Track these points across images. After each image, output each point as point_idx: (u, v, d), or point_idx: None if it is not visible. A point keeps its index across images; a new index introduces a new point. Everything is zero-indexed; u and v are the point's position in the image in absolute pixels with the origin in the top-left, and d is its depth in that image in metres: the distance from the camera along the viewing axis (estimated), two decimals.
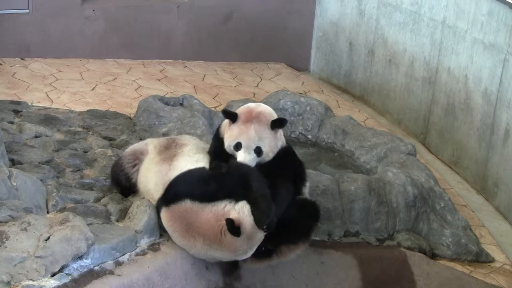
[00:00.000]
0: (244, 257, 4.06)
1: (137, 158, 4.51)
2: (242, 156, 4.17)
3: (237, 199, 4.01)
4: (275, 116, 4.30)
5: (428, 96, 6.84)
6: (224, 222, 3.93)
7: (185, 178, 4.16)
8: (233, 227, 3.91)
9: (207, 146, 4.54)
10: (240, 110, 4.30)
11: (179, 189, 4.10)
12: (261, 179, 4.10)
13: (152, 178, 4.30)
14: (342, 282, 4.55)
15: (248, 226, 3.94)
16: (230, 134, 4.22)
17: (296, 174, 4.38)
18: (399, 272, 4.69)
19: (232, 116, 4.24)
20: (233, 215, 3.95)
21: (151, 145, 4.54)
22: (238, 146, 4.19)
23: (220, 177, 4.11)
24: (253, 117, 4.21)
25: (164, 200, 4.13)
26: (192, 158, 4.30)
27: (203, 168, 4.21)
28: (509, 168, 5.63)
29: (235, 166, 4.15)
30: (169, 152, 4.38)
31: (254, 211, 3.95)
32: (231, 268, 4.34)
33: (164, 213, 4.12)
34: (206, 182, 4.10)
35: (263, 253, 4.19)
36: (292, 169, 4.35)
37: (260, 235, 4.00)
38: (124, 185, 4.55)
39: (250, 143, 4.17)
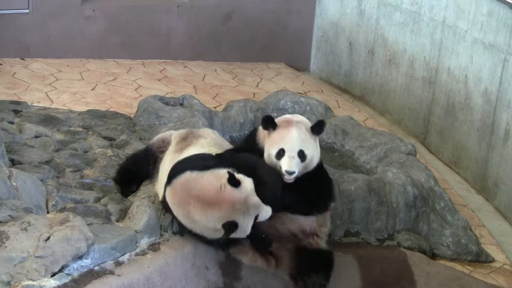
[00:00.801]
0: (241, 221, 3.99)
1: (166, 144, 4.66)
2: (286, 162, 4.11)
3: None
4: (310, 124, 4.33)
5: (428, 96, 6.84)
6: (225, 179, 3.96)
7: (187, 159, 4.26)
8: (233, 178, 3.94)
9: (225, 143, 4.65)
10: (278, 120, 4.31)
11: (181, 167, 4.16)
12: (270, 168, 4.15)
13: (165, 167, 4.40)
14: (342, 282, 4.55)
15: (248, 187, 3.97)
16: (272, 142, 4.19)
17: (325, 191, 4.38)
18: (399, 272, 4.68)
19: (272, 124, 4.21)
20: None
21: (173, 135, 4.71)
22: (280, 153, 4.14)
23: (225, 159, 4.17)
24: (293, 123, 4.22)
25: (168, 181, 4.15)
26: (204, 149, 4.35)
27: (209, 154, 4.29)
28: (509, 168, 5.63)
29: (243, 156, 4.23)
30: (185, 142, 4.51)
31: (259, 186, 3.99)
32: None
33: (168, 191, 4.14)
34: (206, 159, 4.20)
35: (262, 242, 4.17)
36: (322, 184, 4.35)
37: (269, 210, 4.02)
38: (140, 175, 4.67)
39: (293, 146, 4.13)
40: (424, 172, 5.29)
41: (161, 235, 4.25)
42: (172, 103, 6.03)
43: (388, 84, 7.44)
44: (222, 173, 4.02)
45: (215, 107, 6.59)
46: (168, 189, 4.15)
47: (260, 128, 4.34)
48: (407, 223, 5.03)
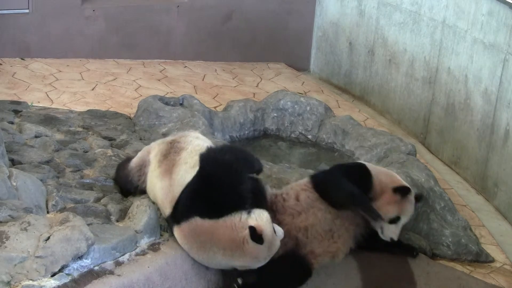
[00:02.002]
0: (263, 263, 4.04)
1: (143, 172, 4.42)
2: (396, 233, 4.45)
3: (248, 207, 3.98)
4: None
5: (428, 96, 6.84)
6: (244, 232, 3.90)
7: (188, 194, 4.06)
8: (256, 234, 3.89)
9: (209, 141, 4.44)
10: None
11: (186, 208, 4.03)
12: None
13: (158, 194, 4.23)
14: (342, 282, 4.55)
15: (268, 233, 3.94)
16: (394, 205, 4.44)
17: None
18: (399, 272, 4.68)
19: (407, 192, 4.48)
20: (252, 222, 3.93)
21: (152, 153, 4.42)
22: (395, 220, 4.45)
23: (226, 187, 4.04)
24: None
25: (174, 219, 4.10)
26: (189, 164, 4.16)
27: (200, 177, 4.08)
28: (509, 168, 5.63)
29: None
30: (167, 161, 4.25)
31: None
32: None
33: (176, 232, 4.10)
34: (209, 195, 4.01)
35: None
36: None
37: (278, 242, 4.02)
38: (132, 192, 4.53)
39: (407, 220, 4.53)
40: (424, 172, 5.29)
41: (161, 235, 4.25)
42: (172, 103, 6.03)
43: (388, 84, 7.44)
44: (239, 225, 3.94)
45: (215, 107, 6.59)
46: (176, 229, 4.08)
47: (381, 180, 4.49)
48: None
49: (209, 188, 4.01)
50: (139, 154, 4.56)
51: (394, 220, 4.46)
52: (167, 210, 4.15)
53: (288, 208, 4.39)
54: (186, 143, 4.36)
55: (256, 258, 3.99)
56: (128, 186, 4.51)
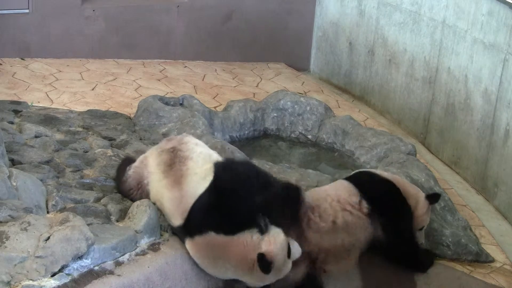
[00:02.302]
0: (269, 283, 4.03)
1: (143, 189, 4.37)
2: (422, 235, 4.74)
3: (265, 223, 3.91)
4: None
5: (428, 96, 6.84)
6: (254, 256, 3.84)
7: (202, 207, 3.98)
8: (264, 263, 3.82)
9: (214, 155, 4.35)
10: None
11: (200, 222, 3.97)
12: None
13: (166, 204, 4.17)
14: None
15: (279, 260, 3.88)
16: (427, 216, 4.70)
17: None
18: (399, 272, 4.68)
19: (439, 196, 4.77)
20: (264, 246, 3.86)
21: (151, 163, 4.35)
22: (421, 229, 4.71)
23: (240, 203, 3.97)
24: None
25: (187, 231, 4.05)
26: (199, 175, 4.12)
27: (214, 189, 4.02)
28: (509, 168, 5.63)
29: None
30: (174, 172, 4.18)
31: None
32: None
33: (189, 244, 4.06)
34: (224, 209, 3.94)
35: None
36: None
37: (289, 265, 3.98)
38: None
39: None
40: (424, 172, 5.29)
41: (161, 235, 4.25)
42: (172, 103, 6.03)
43: (388, 84, 7.44)
44: (250, 245, 3.86)
45: (215, 107, 6.59)
46: (189, 242, 4.05)
47: (409, 192, 4.60)
48: None
49: (224, 202, 3.94)
50: (135, 168, 4.45)
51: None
52: (177, 221, 4.10)
53: (320, 228, 4.26)
54: (188, 151, 4.30)
55: (262, 281, 3.96)
56: (129, 198, 4.49)
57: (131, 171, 4.45)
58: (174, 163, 4.23)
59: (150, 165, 4.36)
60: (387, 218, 4.42)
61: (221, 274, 4.06)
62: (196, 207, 3.99)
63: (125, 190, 4.45)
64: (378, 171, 4.78)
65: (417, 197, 4.57)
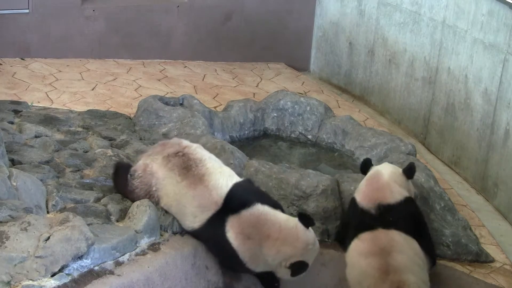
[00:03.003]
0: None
1: (151, 195, 4.40)
2: None
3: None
4: None
5: (428, 96, 6.84)
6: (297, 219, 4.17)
7: (243, 189, 4.29)
8: (306, 218, 4.16)
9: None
10: None
11: (244, 198, 4.21)
12: None
13: (191, 202, 4.25)
14: (342, 282, 4.55)
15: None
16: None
17: None
18: None
19: None
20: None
21: (160, 169, 4.40)
22: None
23: None
24: None
25: (227, 211, 4.17)
26: (225, 174, 4.36)
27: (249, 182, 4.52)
28: (509, 168, 5.63)
29: None
30: (193, 173, 4.32)
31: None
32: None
33: (232, 221, 4.14)
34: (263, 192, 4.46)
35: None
36: None
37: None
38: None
39: None
40: (424, 172, 5.28)
41: (161, 235, 4.25)
42: (172, 103, 6.03)
43: (388, 84, 7.44)
44: (288, 224, 4.15)
45: (215, 107, 6.59)
46: (233, 218, 4.14)
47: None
48: None
49: (261, 192, 4.46)
50: (140, 178, 4.46)
51: None
52: (208, 212, 4.20)
53: None
54: (198, 153, 4.47)
55: (306, 244, 4.15)
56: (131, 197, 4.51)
57: (137, 181, 4.46)
58: (191, 166, 4.36)
59: (157, 171, 4.40)
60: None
61: (259, 253, 4.15)
62: (235, 190, 4.25)
63: (134, 200, 4.44)
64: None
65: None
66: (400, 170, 4.60)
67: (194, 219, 4.25)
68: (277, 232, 4.12)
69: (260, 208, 4.18)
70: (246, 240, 4.14)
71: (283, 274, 4.21)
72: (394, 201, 4.37)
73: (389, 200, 4.37)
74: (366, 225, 4.31)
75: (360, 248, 4.24)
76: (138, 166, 4.51)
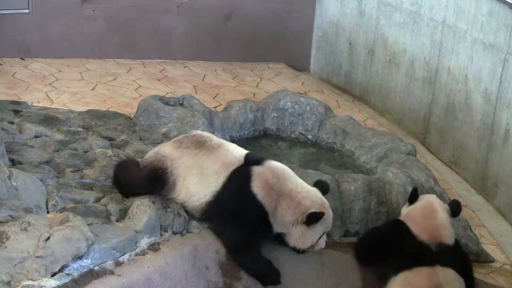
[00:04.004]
0: (325, 220, 4.36)
1: (166, 177, 4.48)
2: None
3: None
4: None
5: (428, 96, 6.84)
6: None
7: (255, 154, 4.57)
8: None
9: None
10: None
11: (261, 156, 4.49)
12: None
13: (214, 162, 4.39)
14: (342, 282, 4.55)
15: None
16: None
17: None
18: None
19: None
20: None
21: (174, 150, 4.52)
22: None
23: None
24: None
25: (253, 162, 4.36)
26: (237, 147, 4.59)
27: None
28: (509, 168, 5.63)
29: None
30: (209, 145, 4.51)
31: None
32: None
33: (259, 171, 4.29)
34: None
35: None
36: None
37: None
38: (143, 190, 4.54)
39: None
40: (424, 172, 5.29)
41: (161, 235, 4.25)
42: (172, 103, 6.03)
43: (388, 84, 7.44)
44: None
45: (215, 107, 6.59)
46: (257, 169, 4.29)
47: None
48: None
49: None
50: (152, 163, 4.53)
51: None
52: (230, 168, 4.34)
53: None
54: (207, 133, 4.73)
55: (323, 202, 4.33)
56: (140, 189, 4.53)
57: (148, 167, 4.52)
58: (205, 141, 4.56)
59: (171, 153, 4.52)
60: None
61: (278, 204, 4.26)
62: (253, 153, 4.51)
63: (142, 189, 4.48)
64: None
65: None
66: (447, 206, 4.60)
67: (218, 178, 4.34)
68: (299, 187, 4.30)
69: (281, 165, 4.38)
70: (270, 190, 4.26)
71: (297, 233, 4.29)
72: (451, 242, 4.40)
73: (449, 241, 4.39)
74: (423, 259, 4.29)
75: (414, 281, 4.24)
76: (148, 155, 4.65)
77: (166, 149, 4.57)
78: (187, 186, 4.44)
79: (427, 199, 4.57)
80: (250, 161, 4.39)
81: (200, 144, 4.53)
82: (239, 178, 4.32)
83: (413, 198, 4.57)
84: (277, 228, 4.33)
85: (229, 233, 4.32)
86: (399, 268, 4.31)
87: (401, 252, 4.35)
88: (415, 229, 4.40)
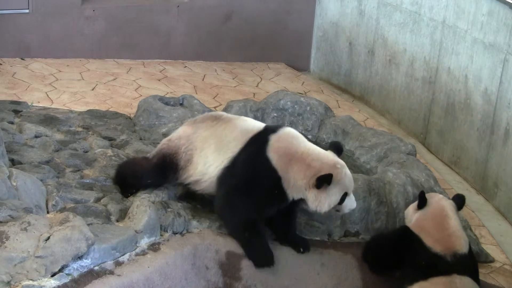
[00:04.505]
0: (338, 183, 4.32)
1: (179, 158, 4.50)
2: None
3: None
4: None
5: (428, 96, 6.84)
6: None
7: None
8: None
9: None
10: None
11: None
12: None
13: (233, 130, 4.41)
14: (342, 282, 4.55)
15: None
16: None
17: None
18: None
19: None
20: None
21: (190, 129, 4.55)
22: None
23: None
24: None
25: (270, 130, 4.39)
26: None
27: None
28: (509, 168, 5.63)
29: None
30: (224, 119, 4.55)
31: None
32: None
33: (275, 137, 4.30)
34: None
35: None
36: None
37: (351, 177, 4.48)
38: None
39: None
40: (424, 172, 5.28)
41: (161, 235, 4.25)
42: (172, 103, 6.03)
43: (388, 84, 7.44)
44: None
45: (215, 107, 6.59)
46: (274, 136, 4.28)
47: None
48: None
49: None
50: (165, 149, 4.56)
51: None
52: (249, 134, 4.36)
53: None
54: (218, 112, 4.87)
55: (334, 162, 4.29)
56: (144, 180, 4.55)
57: (161, 152, 4.55)
58: (220, 115, 4.62)
59: (186, 131, 4.56)
60: None
61: (291, 168, 4.24)
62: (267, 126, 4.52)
63: (151, 170, 4.51)
64: None
65: None
66: (453, 203, 4.48)
67: (236, 144, 4.34)
68: (310, 150, 4.27)
69: (295, 131, 4.39)
70: (283, 154, 4.23)
71: (312, 197, 4.25)
72: (466, 250, 4.31)
73: (464, 249, 4.29)
74: (439, 269, 4.21)
75: None
76: (158, 146, 4.68)
77: (179, 130, 4.61)
78: (205, 156, 4.42)
79: (437, 205, 4.43)
80: (268, 129, 4.41)
81: (216, 118, 4.57)
82: (256, 143, 4.32)
83: (422, 203, 4.43)
84: (292, 194, 4.28)
85: (237, 200, 4.27)
86: (414, 278, 4.22)
87: (416, 264, 4.26)
88: (428, 241, 4.27)
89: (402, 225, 4.60)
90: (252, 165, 4.29)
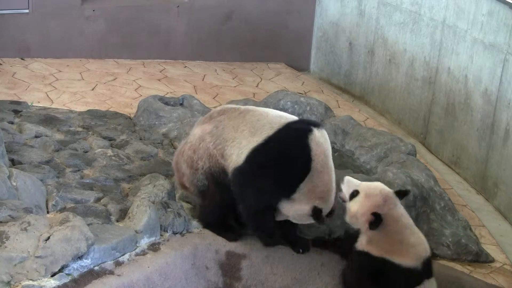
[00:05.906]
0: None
1: (200, 156, 4.39)
2: None
3: None
4: None
5: (428, 96, 6.84)
6: None
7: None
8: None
9: None
10: None
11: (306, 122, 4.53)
12: None
13: (265, 115, 4.33)
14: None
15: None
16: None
17: None
18: None
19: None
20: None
21: (206, 125, 4.41)
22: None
23: None
24: None
25: (307, 122, 4.42)
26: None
27: None
28: (509, 168, 5.63)
29: None
30: (245, 107, 4.47)
31: None
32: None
33: (318, 131, 4.28)
34: None
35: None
36: None
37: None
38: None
39: None
40: (424, 172, 5.29)
41: (161, 235, 4.25)
42: (172, 103, 6.03)
43: (388, 84, 7.44)
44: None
45: (215, 107, 6.57)
46: (317, 129, 4.24)
47: None
48: None
49: None
50: (189, 153, 4.44)
51: None
52: (280, 121, 4.27)
53: None
54: (231, 105, 4.78)
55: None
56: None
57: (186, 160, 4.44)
58: (238, 107, 4.48)
59: (207, 129, 4.38)
60: None
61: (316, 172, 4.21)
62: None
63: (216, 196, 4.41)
64: None
65: None
66: (394, 195, 4.23)
67: (272, 126, 4.24)
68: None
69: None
70: (321, 153, 4.19)
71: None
72: (429, 251, 4.19)
73: (428, 251, 4.17)
74: (416, 281, 4.12)
75: None
76: (183, 146, 4.52)
77: (195, 133, 4.42)
78: (238, 143, 4.29)
79: (391, 220, 4.15)
80: (307, 121, 4.47)
81: (235, 109, 4.42)
82: (298, 128, 4.25)
83: (376, 224, 4.11)
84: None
85: (262, 177, 4.18)
86: None
87: (395, 283, 4.14)
88: (396, 259, 4.10)
89: (362, 254, 4.23)
90: (290, 147, 4.20)
